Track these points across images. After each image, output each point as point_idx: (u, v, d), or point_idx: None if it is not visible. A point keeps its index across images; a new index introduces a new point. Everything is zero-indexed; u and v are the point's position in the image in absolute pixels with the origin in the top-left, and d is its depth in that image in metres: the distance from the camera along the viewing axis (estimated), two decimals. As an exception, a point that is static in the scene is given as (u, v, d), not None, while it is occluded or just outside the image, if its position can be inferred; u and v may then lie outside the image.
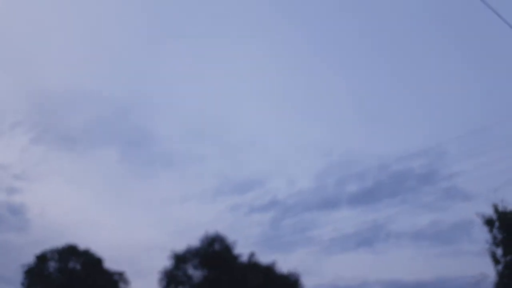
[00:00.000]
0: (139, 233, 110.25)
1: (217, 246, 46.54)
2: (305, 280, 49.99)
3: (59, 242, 75.95)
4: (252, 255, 46.23)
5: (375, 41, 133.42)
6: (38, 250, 51.14)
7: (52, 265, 50.00)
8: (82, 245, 52.35)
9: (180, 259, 46.44)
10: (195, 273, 46.28)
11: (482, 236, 28.58)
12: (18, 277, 49.58)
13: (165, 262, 47.03)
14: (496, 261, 27.52)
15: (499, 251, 27.54)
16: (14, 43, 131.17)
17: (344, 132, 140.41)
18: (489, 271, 27.73)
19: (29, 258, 52.77)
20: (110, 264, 51.80)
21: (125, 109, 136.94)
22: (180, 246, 51.54)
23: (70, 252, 51.01)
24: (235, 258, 45.70)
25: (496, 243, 27.65)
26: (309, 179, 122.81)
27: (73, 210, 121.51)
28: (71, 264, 50.79)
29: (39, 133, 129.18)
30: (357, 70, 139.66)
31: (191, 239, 56.56)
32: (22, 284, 48.23)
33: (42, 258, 49.69)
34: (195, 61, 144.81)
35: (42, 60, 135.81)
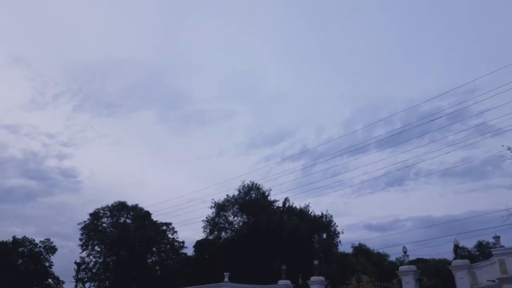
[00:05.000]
0: (181, 187, 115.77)
1: (253, 194, 48.57)
2: (338, 221, 51.54)
3: (110, 200, 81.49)
4: (286, 200, 48.03)
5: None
6: (91, 209, 55.68)
7: (105, 221, 54.27)
8: (130, 201, 56.61)
9: (220, 208, 48.93)
10: (235, 219, 49.04)
11: (514, 169, 28.31)
12: (76, 233, 54.47)
13: (207, 211, 49.72)
14: (529, 193, 27.48)
15: (532, 183, 27.41)
16: (50, 18, 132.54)
17: (370, 79, 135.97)
18: (522, 203, 27.79)
19: (84, 217, 57.61)
20: (158, 217, 55.71)
21: (159, 73, 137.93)
22: (220, 196, 54.30)
23: (120, 208, 54.89)
24: (271, 203, 47.68)
25: (528, 175, 27.44)
26: (338, 127, 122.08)
27: (119, 170, 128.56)
28: (122, 219, 54.96)
29: (81, 101, 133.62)
30: (381, 14, 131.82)
31: (229, 190, 59.24)
32: (80, 239, 53.04)
33: (95, 215, 53.95)
34: (222, 23, 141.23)
35: (77, 32, 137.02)
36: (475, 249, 60.92)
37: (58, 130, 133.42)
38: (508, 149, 28.36)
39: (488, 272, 19.84)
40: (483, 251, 54.68)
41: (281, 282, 28.95)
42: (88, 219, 53.75)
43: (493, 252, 19.63)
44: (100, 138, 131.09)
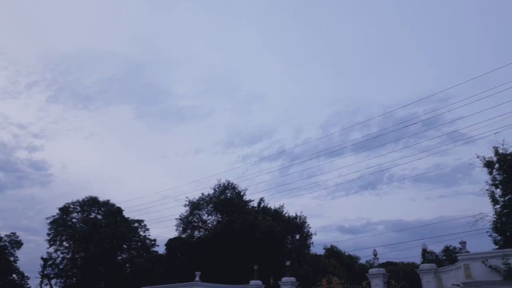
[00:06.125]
0: (156, 184, 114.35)
1: (229, 193, 48.44)
2: (312, 222, 52.15)
3: (81, 195, 79.65)
4: (261, 200, 48.14)
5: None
6: (61, 203, 54.20)
7: (75, 216, 52.86)
8: (103, 197, 55.41)
9: (195, 206, 48.61)
10: (209, 218, 48.77)
11: (482, 177, 29.33)
12: (44, 228, 52.94)
13: (181, 209, 49.35)
14: (494, 201, 28.40)
15: (498, 192, 28.36)
16: (26, 5, 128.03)
17: (349, 83, 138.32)
18: (488, 211, 28.80)
19: (54, 211, 55.99)
20: (130, 213, 54.82)
21: (138, 67, 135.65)
22: (195, 194, 53.98)
23: (91, 203, 53.61)
24: (246, 203, 47.66)
25: (495, 184, 28.37)
26: (316, 129, 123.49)
27: (92, 165, 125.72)
28: (92, 215, 53.67)
29: (55, 92, 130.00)
30: (362, 20, 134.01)
31: (204, 188, 59.06)
32: (48, 234, 51.42)
33: (65, 210, 52.49)
34: (204, 19, 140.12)
35: (54, 22, 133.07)
36: (443, 254, 62.61)
37: (30, 120, 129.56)
38: (478, 157, 29.42)
39: (453, 276, 20.38)
40: (450, 256, 56.26)
41: (252, 282, 28.93)
42: (57, 213, 52.34)
43: (459, 257, 20.17)
44: (74, 131, 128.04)
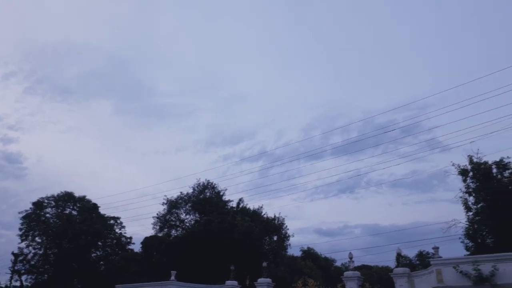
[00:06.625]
0: (134, 182, 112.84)
1: (208, 193, 48.22)
2: (290, 224, 52.48)
3: (57, 189, 77.72)
4: (241, 200, 48.12)
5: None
6: (36, 197, 52.77)
7: (49, 211, 51.58)
8: (79, 193, 54.12)
9: (173, 205, 48.19)
10: (187, 218, 48.42)
11: (457, 185, 30.21)
12: (16, 222, 51.44)
13: (158, 207, 48.83)
14: (467, 208, 29.30)
15: (471, 199, 29.24)
16: None
17: (332, 87, 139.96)
18: (461, 218, 29.66)
19: (27, 205, 54.47)
20: (106, 210, 53.79)
21: (121, 62, 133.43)
22: (173, 193, 53.50)
23: (66, 198, 52.40)
24: (225, 203, 47.54)
25: (469, 191, 29.25)
26: (297, 132, 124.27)
27: (69, 160, 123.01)
28: (67, 210, 52.48)
29: (33, 84, 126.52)
30: (345, 27, 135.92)
31: (183, 187, 58.68)
32: (20, 229, 50.00)
33: (38, 205, 51.14)
34: (191, 17, 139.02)
35: (35, 11, 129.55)
36: (416, 258, 63.94)
37: (6, 112, 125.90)
38: (453, 165, 30.24)
39: (425, 280, 20.83)
40: (423, 261, 57.50)
41: (228, 282, 28.89)
42: (30, 208, 50.92)
43: (431, 262, 20.65)
44: (52, 124, 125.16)
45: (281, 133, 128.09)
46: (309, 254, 64.13)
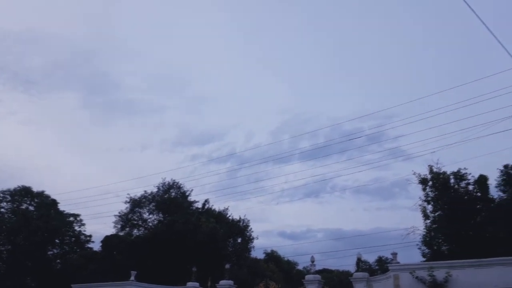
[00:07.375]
0: (96, 178, 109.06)
1: (173, 193, 47.60)
2: (255, 226, 52.75)
3: (12, 184, 74.12)
4: (206, 201, 47.84)
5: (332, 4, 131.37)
6: (-11, 191, 49.88)
7: (3, 206, 49.18)
8: (36, 187, 51.63)
9: (136, 204, 47.26)
10: (150, 217, 47.61)
11: (417, 193, 31.40)
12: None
13: (121, 206, 47.70)
14: (426, 216, 30.49)
15: (429, 208, 30.46)
16: None
17: (301, 93, 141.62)
18: (419, 225, 30.82)
19: (-21, 199, 51.48)
20: (66, 207, 51.70)
21: (87, 54, 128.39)
22: (137, 192, 52.17)
23: (23, 193, 50.09)
24: (190, 204, 47.12)
25: (427, 200, 30.46)
26: (266, 135, 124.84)
27: (27, 153, 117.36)
28: (24, 205, 50.22)
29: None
30: (316, 34, 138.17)
31: (148, 186, 57.47)
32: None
33: (-8, 199, 48.66)
34: (163, 11, 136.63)
35: None
36: (376, 264, 65.67)
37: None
38: (414, 174, 31.41)
39: (383, 285, 21.41)
40: (382, 266, 59.12)
41: (189, 284, 28.58)
42: (-17, 202, 48.40)
43: (390, 267, 21.28)
44: (10, 115, 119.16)
45: (250, 135, 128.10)
46: (272, 257, 64.47)
